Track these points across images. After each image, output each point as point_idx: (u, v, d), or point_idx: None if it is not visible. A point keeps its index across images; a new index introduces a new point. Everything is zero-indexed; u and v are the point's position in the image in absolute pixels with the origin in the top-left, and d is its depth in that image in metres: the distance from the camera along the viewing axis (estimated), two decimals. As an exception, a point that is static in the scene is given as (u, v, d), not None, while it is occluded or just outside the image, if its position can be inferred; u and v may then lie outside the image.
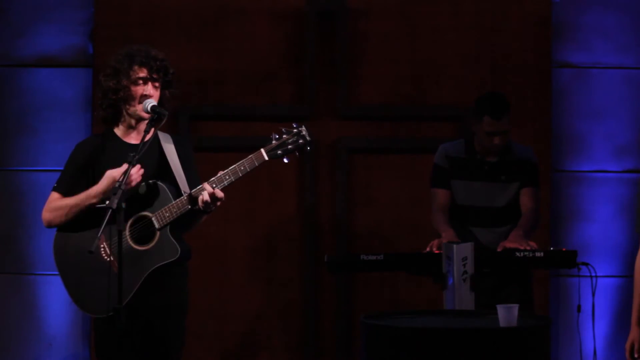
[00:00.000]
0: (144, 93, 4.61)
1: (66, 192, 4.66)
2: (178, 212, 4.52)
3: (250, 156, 4.55)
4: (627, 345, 4.62)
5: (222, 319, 6.36)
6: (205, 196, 4.50)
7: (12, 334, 6.38)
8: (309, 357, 6.35)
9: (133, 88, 4.61)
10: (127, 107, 4.64)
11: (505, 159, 5.63)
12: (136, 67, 4.62)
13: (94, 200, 4.55)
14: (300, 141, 4.55)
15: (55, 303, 6.22)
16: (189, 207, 4.52)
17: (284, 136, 4.55)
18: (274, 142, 4.54)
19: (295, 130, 4.56)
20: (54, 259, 4.65)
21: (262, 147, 4.54)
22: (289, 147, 4.54)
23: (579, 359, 5.71)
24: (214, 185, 4.52)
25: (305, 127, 4.58)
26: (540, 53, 6.43)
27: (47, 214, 4.67)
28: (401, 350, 4.10)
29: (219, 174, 4.55)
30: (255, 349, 6.38)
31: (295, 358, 6.38)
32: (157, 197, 4.56)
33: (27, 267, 6.37)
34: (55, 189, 4.69)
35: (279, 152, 4.54)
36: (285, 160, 4.56)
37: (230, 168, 4.54)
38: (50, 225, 4.68)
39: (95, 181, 4.64)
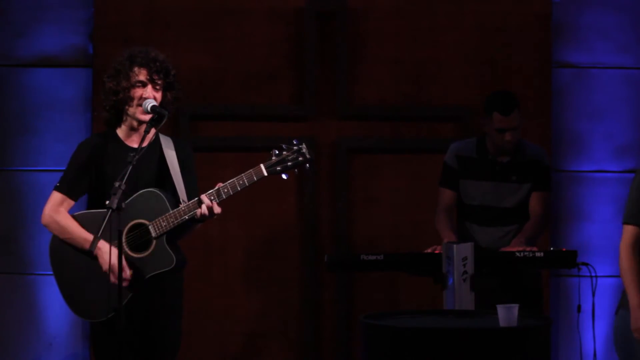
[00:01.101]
0: (144, 95, 4.60)
1: (68, 192, 4.67)
2: (175, 222, 4.53)
3: (249, 171, 4.56)
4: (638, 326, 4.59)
5: (222, 319, 6.36)
6: (203, 209, 4.51)
7: (12, 334, 6.38)
8: (308, 357, 6.35)
9: (132, 90, 4.60)
10: (127, 108, 4.64)
11: (517, 159, 5.63)
12: (136, 69, 4.61)
13: (87, 246, 4.51)
14: (300, 158, 4.57)
15: (55, 303, 6.21)
16: (186, 217, 4.53)
17: (284, 152, 4.57)
18: (273, 158, 4.56)
19: (295, 148, 4.57)
20: (50, 260, 4.65)
21: (262, 162, 4.56)
22: (289, 164, 4.56)
23: (579, 359, 5.70)
24: (212, 198, 4.53)
25: (306, 144, 4.59)
26: (540, 53, 6.43)
27: (48, 219, 4.66)
28: (401, 350, 4.10)
29: (217, 187, 4.56)
30: (255, 349, 6.38)
31: (295, 358, 6.37)
32: (155, 205, 4.56)
33: (27, 267, 6.37)
34: (57, 189, 4.69)
35: (278, 168, 4.56)
36: (284, 177, 4.57)
37: (229, 182, 4.55)
38: (46, 227, 4.68)
39: (95, 182, 4.65)
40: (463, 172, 5.66)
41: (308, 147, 4.60)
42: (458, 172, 5.67)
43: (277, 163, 4.56)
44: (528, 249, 5.32)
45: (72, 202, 4.69)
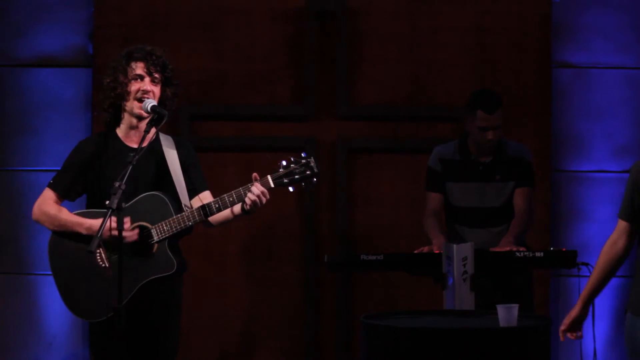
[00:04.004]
0: (142, 88, 4.60)
1: (60, 191, 4.65)
2: (178, 227, 4.52)
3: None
4: (567, 321, 4.59)
5: (222, 319, 6.36)
6: (252, 196, 4.50)
7: (12, 334, 6.38)
8: (309, 357, 6.35)
9: (130, 84, 4.60)
10: (125, 104, 4.63)
11: (499, 158, 5.64)
12: (133, 63, 4.61)
13: (83, 231, 4.53)
14: (308, 172, 4.54)
15: (55, 303, 6.20)
16: (190, 224, 4.52)
17: (292, 165, 4.54)
18: (281, 170, 4.54)
19: (303, 161, 4.55)
20: (49, 260, 4.64)
21: (269, 173, 4.54)
22: (296, 177, 4.54)
23: (579, 359, 5.70)
24: (217, 206, 4.53)
25: (314, 158, 4.57)
26: (540, 53, 6.43)
27: (37, 212, 4.65)
28: (401, 350, 4.10)
29: (223, 196, 4.55)
30: (255, 349, 6.38)
31: (295, 358, 6.37)
32: (158, 209, 4.55)
33: (27, 267, 6.37)
34: (51, 186, 4.67)
35: (285, 180, 4.54)
36: (291, 189, 4.56)
37: (234, 191, 4.54)
38: (37, 222, 4.67)
39: (94, 182, 4.64)
40: (447, 175, 5.67)
41: (316, 161, 4.57)
42: (442, 175, 5.67)
43: (285, 175, 4.54)
44: (515, 248, 5.31)
45: (62, 200, 4.67)
